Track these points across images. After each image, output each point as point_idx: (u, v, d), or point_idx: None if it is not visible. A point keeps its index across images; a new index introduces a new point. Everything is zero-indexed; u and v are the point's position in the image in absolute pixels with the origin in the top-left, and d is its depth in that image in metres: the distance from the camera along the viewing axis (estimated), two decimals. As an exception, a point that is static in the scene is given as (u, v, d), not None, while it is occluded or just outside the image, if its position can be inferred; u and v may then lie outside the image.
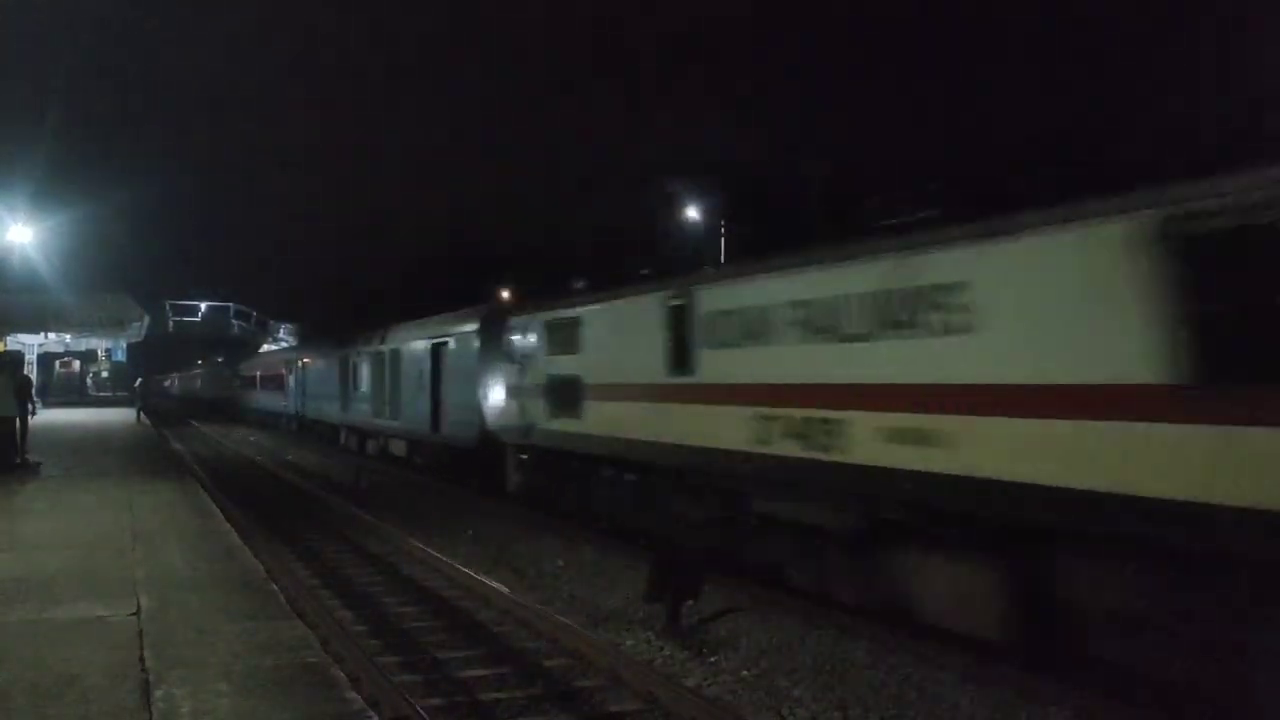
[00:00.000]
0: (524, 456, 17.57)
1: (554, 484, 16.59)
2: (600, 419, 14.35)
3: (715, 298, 11.78)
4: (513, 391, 17.46)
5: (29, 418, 20.12)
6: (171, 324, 70.23)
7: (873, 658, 8.95)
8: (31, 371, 38.18)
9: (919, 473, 8.61)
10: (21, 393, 19.56)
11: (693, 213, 32.43)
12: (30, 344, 42.55)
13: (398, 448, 26.81)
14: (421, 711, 7.56)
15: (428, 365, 23.34)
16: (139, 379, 53.77)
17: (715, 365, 11.72)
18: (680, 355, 12.37)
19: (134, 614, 7.85)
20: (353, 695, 5.99)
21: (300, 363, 40.74)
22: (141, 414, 41.35)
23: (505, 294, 34.55)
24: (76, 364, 70.07)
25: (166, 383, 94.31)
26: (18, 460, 18.63)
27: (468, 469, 21.43)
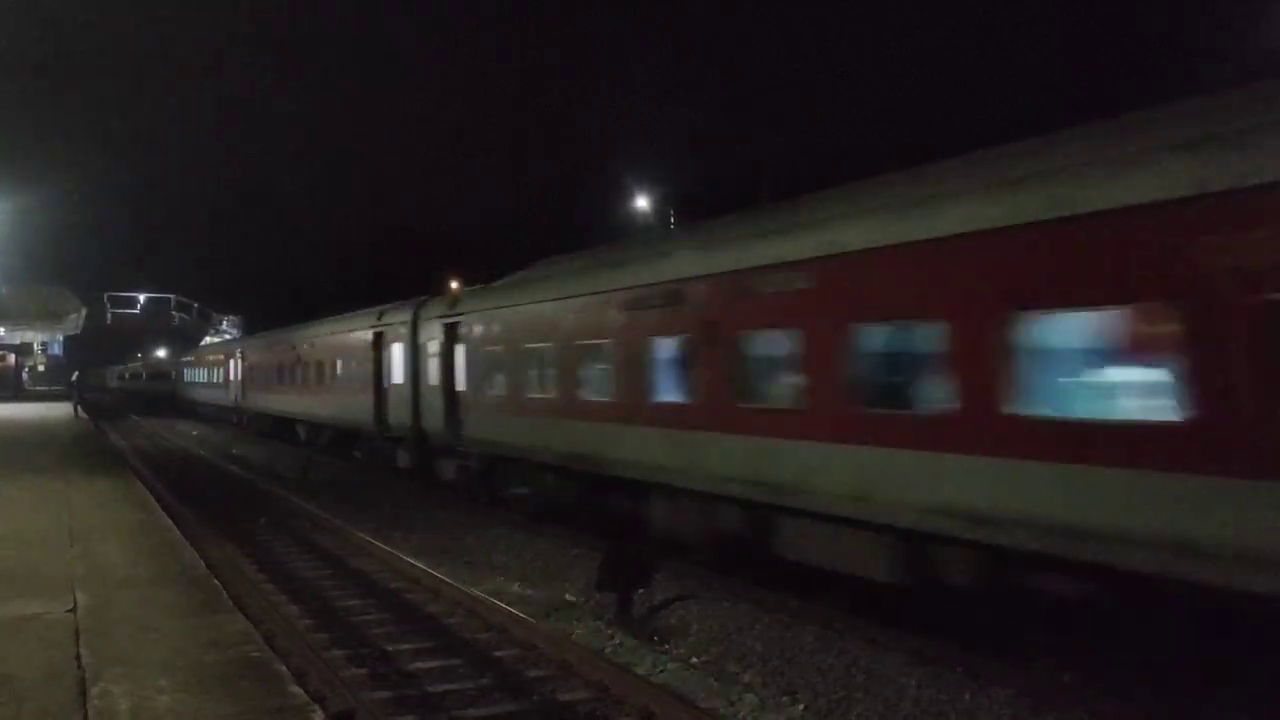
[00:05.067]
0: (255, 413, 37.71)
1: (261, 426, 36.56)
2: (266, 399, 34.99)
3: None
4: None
5: None
6: (110, 316, 68.73)
7: (821, 643, 9.02)
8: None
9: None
10: None
11: (642, 202, 32.42)
12: (-39, 338, 41.28)
13: (226, 410, 44.39)
14: (367, 704, 7.47)
15: (237, 364, 40.68)
16: (76, 373, 52.46)
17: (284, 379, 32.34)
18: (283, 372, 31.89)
19: (71, 611, 7.66)
20: (296, 690, 5.89)
21: (182, 362, 61.64)
22: (79, 408, 40.35)
23: (454, 284, 34.36)
24: (11, 358, 68.05)
25: (114, 377, 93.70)
26: None
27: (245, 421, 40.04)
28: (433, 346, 18.96)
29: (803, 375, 9.49)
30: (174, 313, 73.58)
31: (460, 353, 17.74)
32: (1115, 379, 7.10)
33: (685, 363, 11.32)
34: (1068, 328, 7.25)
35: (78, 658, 6.42)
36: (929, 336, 8.16)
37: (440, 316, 18.58)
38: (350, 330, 24.52)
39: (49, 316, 45.48)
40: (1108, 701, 7.28)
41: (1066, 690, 7.59)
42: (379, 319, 22.27)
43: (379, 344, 21.99)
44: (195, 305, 74.62)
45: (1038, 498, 7.07)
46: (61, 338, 70.61)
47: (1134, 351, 6.97)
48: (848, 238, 9.01)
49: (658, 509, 12.02)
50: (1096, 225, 6.76)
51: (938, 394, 8.08)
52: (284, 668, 6.48)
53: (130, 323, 72.55)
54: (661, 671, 8.46)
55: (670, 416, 11.45)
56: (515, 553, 13.57)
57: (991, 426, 7.46)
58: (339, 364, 25.16)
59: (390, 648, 9.28)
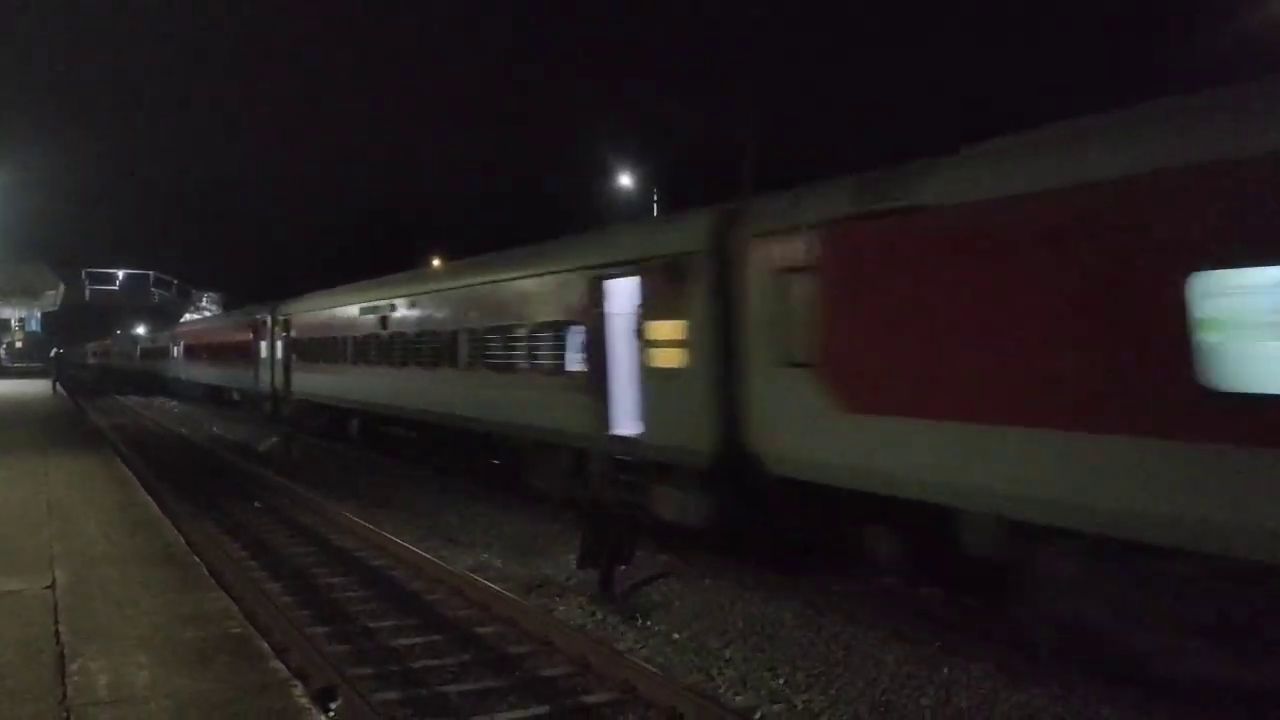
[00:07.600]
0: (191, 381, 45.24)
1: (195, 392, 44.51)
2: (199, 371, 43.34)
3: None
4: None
5: None
6: (88, 293, 68.18)
7: (801, 620, 9.08)
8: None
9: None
10: None
11: (625, 180, 32.31)
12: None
13: (175, 383, 50.74)
14: (349, 680, 7.48)
15: (178, 345, 49.12)
16: (55, 350, 52.09)
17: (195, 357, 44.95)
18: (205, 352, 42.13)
19: (49, 587, 7.63)
20: (277, 665, 5.89)
21: (141, 344, 66.72)
22: (58, 385, 40.04)
23: (435, 261, 34.31)
24: (-12, 335, 67.58)
25: (89, 354, 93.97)
26: None
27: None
28: (279, 333, 28.34)
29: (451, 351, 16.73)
30: (153, 290, 72.98)
31: (290, 338, 27.27)
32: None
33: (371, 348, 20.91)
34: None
35: (56, 634, 6.40)
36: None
37: (282, 315, 28.18)
38: (241, 322, 33.96)
39: (26, 293, 45.01)
40: (1082, 676, 7.36)
41: (1042, 665, 7.66)
42: (256, 314, 31.36)
43: (257, 331, 31.00)
44: (175, 282, 74.03)
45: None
46: (39, 314, 70.00)
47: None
48: (473, 281, 16.48)
49: (354, 422, 23.11)
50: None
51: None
52: (265, 644, 6.48)
53: (109, 299, 71.98)
54: (643, 647, 8.50)
55: (363, 376, 21.20)
56: (496, 530, 13.57)
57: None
58: (237, 345, 34.18)
59: (372, 624, 9.29)
